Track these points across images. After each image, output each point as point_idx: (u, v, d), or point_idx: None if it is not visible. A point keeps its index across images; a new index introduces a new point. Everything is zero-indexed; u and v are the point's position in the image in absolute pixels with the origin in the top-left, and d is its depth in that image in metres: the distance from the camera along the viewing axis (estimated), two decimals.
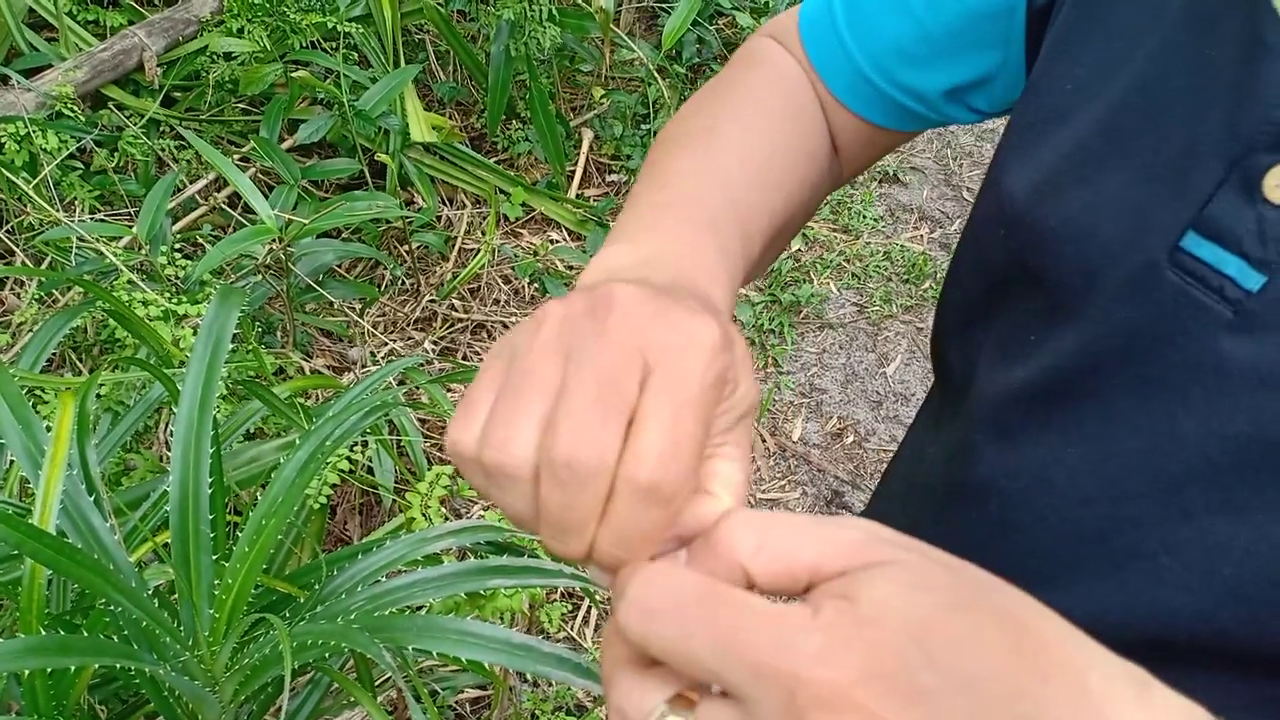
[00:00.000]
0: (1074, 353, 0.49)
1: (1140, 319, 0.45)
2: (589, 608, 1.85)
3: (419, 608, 1.09)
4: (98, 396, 1.42)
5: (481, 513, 1.87)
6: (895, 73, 0.62)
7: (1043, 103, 0.53)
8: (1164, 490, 0.45)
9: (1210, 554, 0.43)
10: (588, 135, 2.49)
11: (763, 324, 2.44)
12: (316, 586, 1.04)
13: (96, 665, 0.92)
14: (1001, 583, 0.35)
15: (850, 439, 2.24)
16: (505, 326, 2.24)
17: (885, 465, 2.23)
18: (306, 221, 1.65)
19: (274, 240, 1.68)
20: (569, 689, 1.67)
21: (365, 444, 1.42)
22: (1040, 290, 0.51)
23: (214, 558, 0.92)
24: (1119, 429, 0.47)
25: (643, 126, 2.53)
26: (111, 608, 0.87)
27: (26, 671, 0.80)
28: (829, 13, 0.64)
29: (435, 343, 2.17)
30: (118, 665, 0.78)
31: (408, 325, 2.20)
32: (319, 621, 0.89)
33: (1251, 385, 0.42)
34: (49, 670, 0.85)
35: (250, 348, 1.33)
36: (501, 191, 2.34)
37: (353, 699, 1.45)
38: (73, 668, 0.87)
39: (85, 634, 0.79)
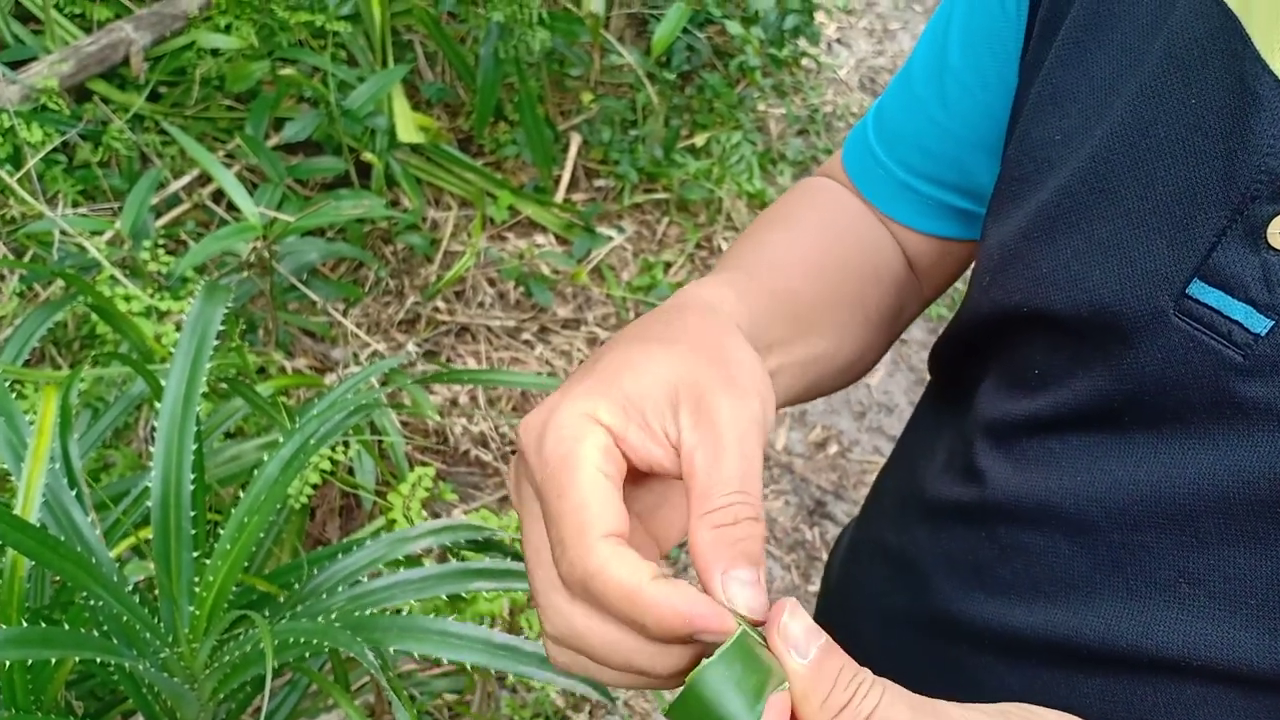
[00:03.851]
0: (1083, 391, 0.50)
1: (1150, 364, 0.46)
2: None
3: (399, 610, 1.09)
4: (78, 394, 1.41)
5: (462, 514, 1.87)
6: (936, 173, 0.65)
7: (1032, 154, 0.54)
8: (1175, 520, 0.46)
9: (1233, 584, 0.44)
10: (576, 140, 2.49)
11: None
12: (296, 586, 1.03)
13: (75, 661, 0.91)
14: None
15: (834, 449, 2.24)
16: (490, 330, 2.24)
17: (868, 475, 2.24)
18: (291, 219, 1.64)
19: (258, 238, 1.68)
20: (548, 695, 1.67)
21: (346, 444, 1.41)
22: (1042, 331, 0.52)
23: (195, 554, 0.92)
24: (1129, 460, 0.48)
25: (631, 132, 2.53)
26: (91, 602, 0.87)
27: (7, 664, 0.79)
28: (864, 137, 0.69)
29: (419, 345, 2.16)
30: (98, 660, 0.77)
31: (391, 327, 2.19)
32: (300, 620, 0.89)
33: (1266, 425, 0.43)
34: (27, 665, 0.84)
35: (234, 345, 1.32)
36: (488, 194, 2.34)
37: (330, 702, 1.44)
38: (52, 662, 0.86)
39: (66, 627, 0.78)
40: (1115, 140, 0.48)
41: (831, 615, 0.75)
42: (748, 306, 0.53)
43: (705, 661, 0.36)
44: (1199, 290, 0.44)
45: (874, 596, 0.66)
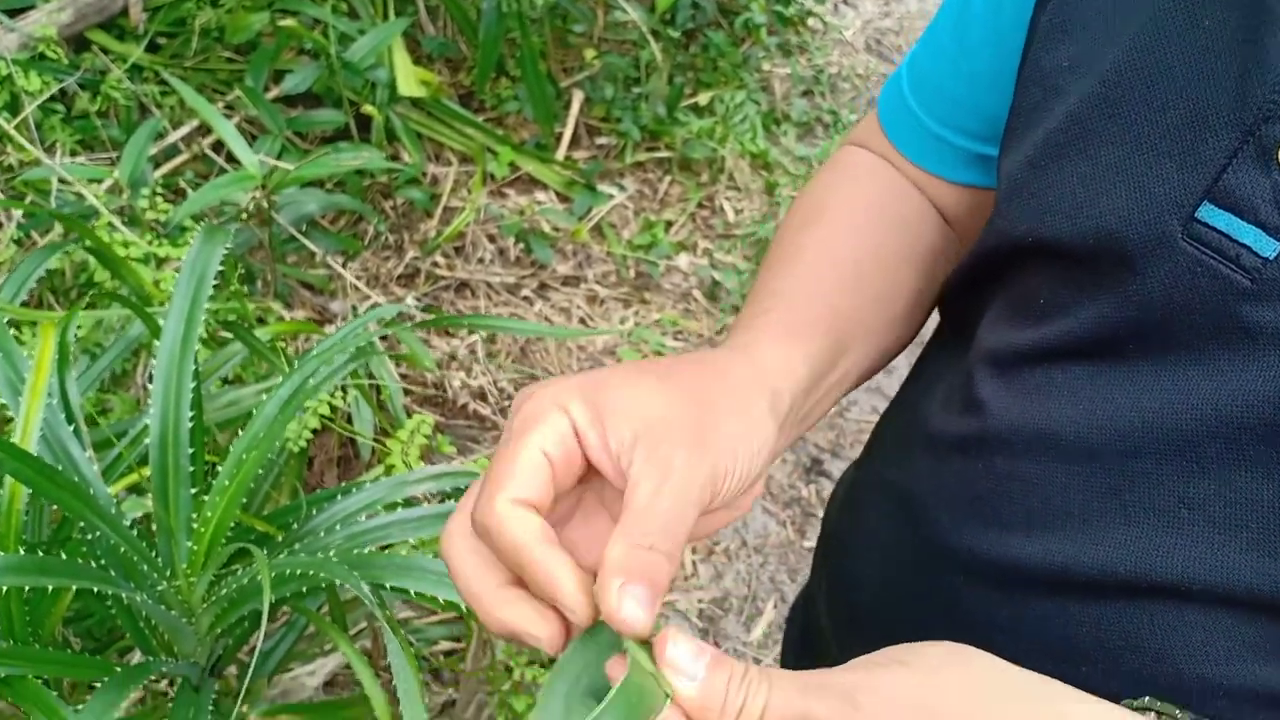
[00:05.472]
0: (1087, 320, 0.49)
1: (1155, 289, 0.46)
2: None
3: (394, 545, 1.09)
4: (75, 338, 1.41)
5: (460, 462, 1.87)
6: (965, 123, 0.65)
7: (1041, 83, 0.54)
8: (1177, 446, 0.46)
9: (1233, 509, 0.44)
10: (578, 97, 2.47)
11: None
12: (295, 526, 1.03)
13: (73, 593, 0.92)
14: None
15: (832, 409, 2.24)
16: (489, 285, 2.24)
17: (864, 435, 2.24)
18: (291, 168, 1.63)
19: (257, 188, 1.67)
20: None
21: (345, 390, 1.41)
22: (1047, 260, 0.52)
23: (193, 491, 0.92)
24: (1132, 388, 0.48)
25: (634, 90, 2.52)
26: (89, 536, 0.87)
27: (4, 590, 0.80)
28: (899, 90, 0.68)
29: (418, 299, 2.16)
30: (95, 590, 0.78)
31: (390, 281, 2.19)
32: (298, 555, 0.89)
33: (1272, 349, 0.43)
34: (25, 596, 0.84)
35: (233, 289, 1.32)
36: (489, 150, 2.33)
37: (327, 646, 1.45)
38: (50, 591, 0.86)
39: (64, 557, 0.78)
40: (1126, 65, 0.48)
41: (829, 558, 0.76)
42: (803, 358, 0.56)
43: (599, 709, 0.37)
44: (1208, 213, 0.44)
45: (872, 534, 0.67)
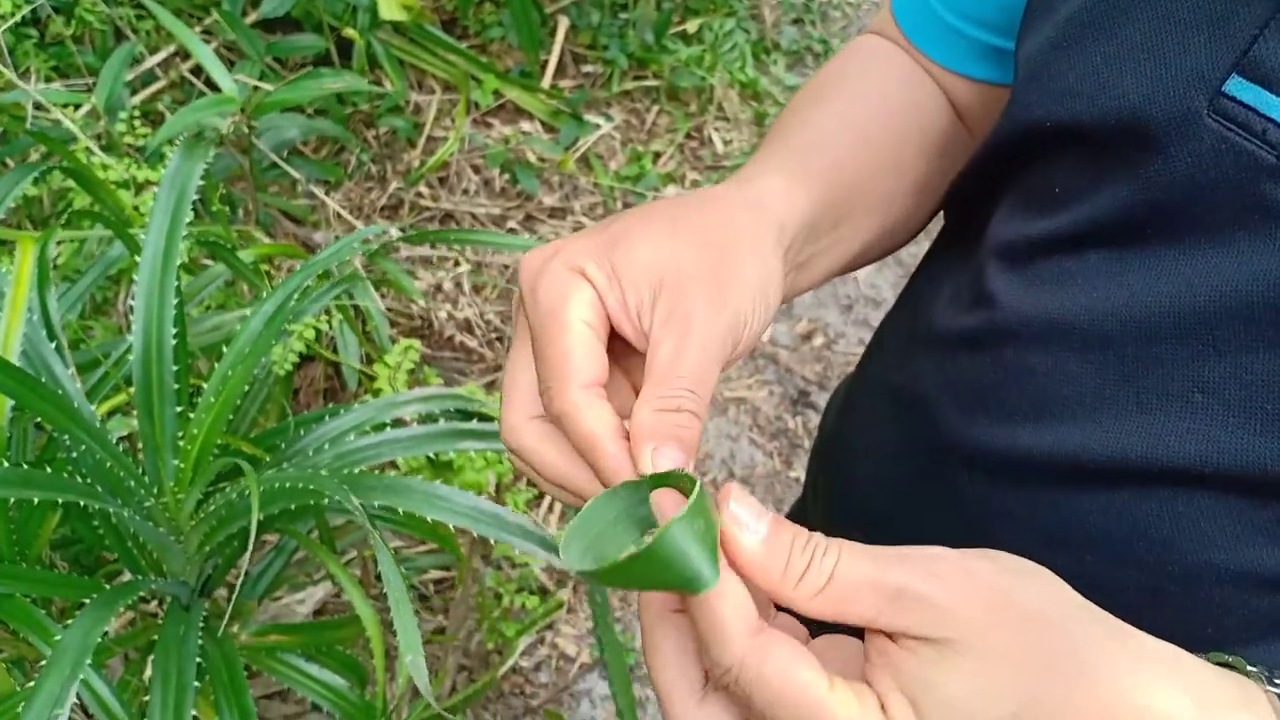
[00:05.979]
0: (1105, 205, 0.48)
1: (1179, 169, 0.45)
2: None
3: (385, 467, 1.09)
4: (55, 265, 1.38)
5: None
6: (979, 13, 0.63)
7: None
8: (1193, 329, 0.45)
9: (1250, 391, 0.44)
10: (564, 23, 2.43)
11: None
12: (283, 447, 1.02)
13: (60, 516, 0.91)
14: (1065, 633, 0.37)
15: (819, 341, 2.24)
16: (474, 217, 2.21)
17: (852, 368, 2.25)
18: (271, 90, 1.60)
19: (237, 112, 1.63)
20: (532, 572, 1.68)
21: (329, 315, 1.40)
22: (1065, 145, 0.51)
23: (178, 410, 0.91)
24: (1149, 273, 0.47)
25: (621, 15, 2.47)
26: (74, 454, 0.86)
27: None
28: None
29: (403, 230, 2.13)
30: (82, 506, 0.77)
31: (374, 212, 2.16)
32: (287, 472, 0.88)
33: None
34: (11, 515, 0.83)
35: (214, 209, 1.30)
36: (472, 78, 2.28)
37: (317, 575, 1.45)
38: (36, 509, 0.85)
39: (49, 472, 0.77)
40: None
41: (827, 465, 0.75)
42: (805, 196, 0.55)
43: (674, 518, 0.35)
44: (1236, 87, 0.43)
45: (872, 437, 0.66)
